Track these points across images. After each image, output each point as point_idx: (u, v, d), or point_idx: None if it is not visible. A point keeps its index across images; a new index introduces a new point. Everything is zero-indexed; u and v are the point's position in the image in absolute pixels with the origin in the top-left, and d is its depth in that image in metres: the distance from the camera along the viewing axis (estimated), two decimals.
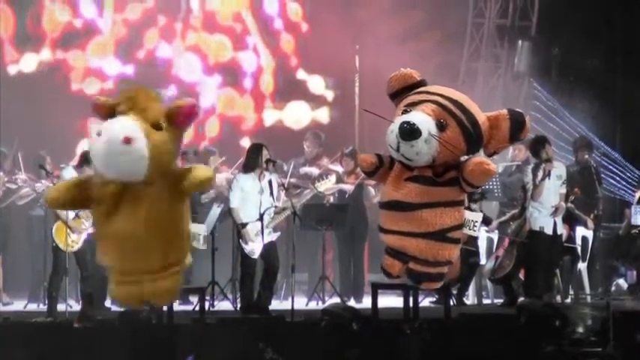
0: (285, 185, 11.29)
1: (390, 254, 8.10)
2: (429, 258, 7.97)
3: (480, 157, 7.97)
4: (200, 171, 7.24)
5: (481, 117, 7.96)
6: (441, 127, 7.78)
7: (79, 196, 7.22)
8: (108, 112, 7.11)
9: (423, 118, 7.77)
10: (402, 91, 8.11)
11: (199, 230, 10.82)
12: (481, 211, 11.87)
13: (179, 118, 7.10)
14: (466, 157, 7.95)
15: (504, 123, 7.93)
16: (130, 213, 7.05)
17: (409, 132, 7.72)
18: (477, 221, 11.28)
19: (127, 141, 6.88)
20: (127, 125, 6.95)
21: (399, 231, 7.97)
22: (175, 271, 7.31)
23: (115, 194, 7.04)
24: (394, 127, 7.83)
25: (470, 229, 10.95)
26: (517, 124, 7.96)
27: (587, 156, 12.78)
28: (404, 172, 7.96)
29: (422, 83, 8.17)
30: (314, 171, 12.87)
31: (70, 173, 10.71)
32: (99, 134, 6.97)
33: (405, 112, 7.91)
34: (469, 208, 11.28)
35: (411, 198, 7.89)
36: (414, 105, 7.91)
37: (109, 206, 7.10)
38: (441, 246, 7.97)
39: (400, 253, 8.03)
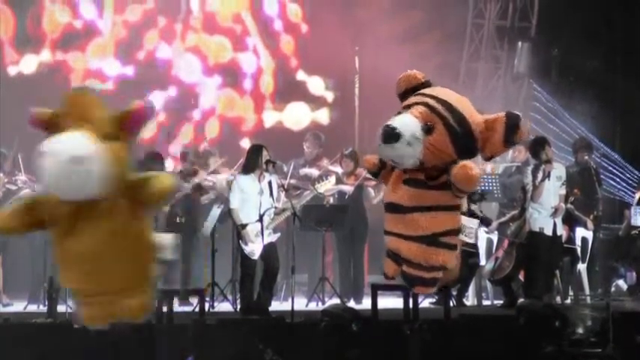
0: (285, 186, 11.30)
1: (388, 255, 8.11)
2: (422, 262, 7.98)
3: (469, 161, 7.94)
4: (159, 180, 6.80)
5: (476, 119, 7.95)
6: (428, 129, 7.80)
7: (30, 220, 6.78)
8: (49, 125, 6.69)
9: (407, 121, 7.80)
10: (408, 92, 8.16)
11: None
12: (481, 212, 11.87)
13: (130, 124, 6.70)
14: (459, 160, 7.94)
15: (500, 126, 7.92)
16: (88, 232, 6.64)
17: (388, 135, 7.83)
18: (472, 227, 11.32)
19: (77, 161, 6.44)
20: (75, 142, 6.51)
21: (394, 233, 7.98)
22: (144, 288, 6.97)
23: (71, 214, 6.63)
24: (380, 129, 7.90)
25: (465, 235, 10.96)
26: (511, 127, 7.96)
27: (586, 157, 12.79)
28: (401, 174, 7.98)
29: (426, 84, 8.20)
30: (314, 172, 12.87)
31: None
32: (43, 154, 6.49)
33: (398, 114, 7.95)
34: (470, 209, 11.31)
35: (404, 200, 7.93)
36: (407, 108, 7.94)
37: (65, 227, 6.67)
38: (434, 250, 7.97)
39: (396, 255, 8.04)
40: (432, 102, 7.95)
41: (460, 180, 7.82)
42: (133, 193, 6.69)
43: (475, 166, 7.94)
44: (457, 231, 8.19)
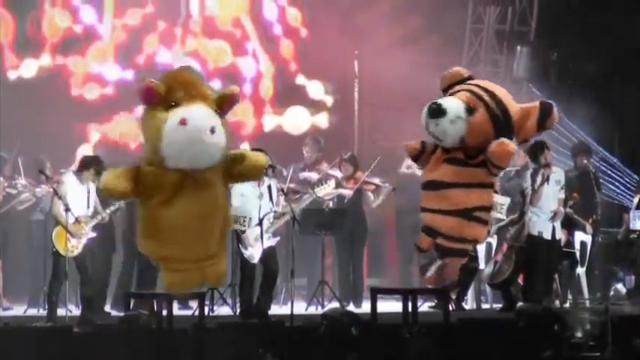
0: (285, 190, 11.31)
1: (423, 231, 8.56)
2: (455, 234, 8.42)
3: (505, 139, 8.39)
4: (256, 157, 7.35)
5: (514, 107, 8.55)
6: (470, 111, 8.39)
7: (131, 187, 7.11)
8: (160, 98, 7.07)
9: (452, 102, 8.52)
10: (452, 87, 8.72)
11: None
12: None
13: (227, 105, 7.20)
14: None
15: (534, 112, 8.44)
16: (193, 200, 7.06)
17: (435, 111, 8.37)
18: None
19: (213, 130, 6.93)
20: (209, 114, 6.99)
21: (431, 209, 8.45)
22: (224, 256, 7.39)
23: (177, 183, 6.99)
24: (427, 105, 8.42)
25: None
26: (544, 112, 8.58)
27: (585, 161, 12.81)
28: (442, 154, 8.43)
29: (469, 79, 8.84)
30: (313, 176, 12.89)
31: (69, 178, 10.74)
32: (183, 123, 6.91)
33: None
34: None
35: (444, 177, 8.51)
36: (452, 94, 8.46)
37: (164, 196, 7.04)
38: (467, 224, 8.44)
39: (431, 230, 8.47)
40: (475, 89, 8.57)
41: (497, 155, 8.43)
42: (231, 166, 7.18)
43: (511, 143, 8.46)
44: (490, 207, 8.74)
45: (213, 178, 7.13)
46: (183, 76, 7.26)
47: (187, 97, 7.05)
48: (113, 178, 7.22)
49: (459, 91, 8.60)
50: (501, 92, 8.64)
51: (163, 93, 7.06)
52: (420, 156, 8.72)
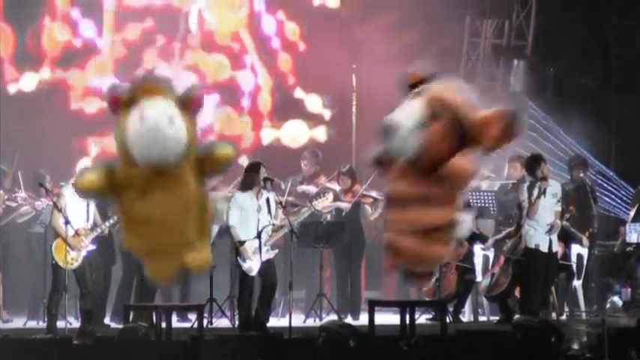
0: (283, 203, 11.37)
1: (385, 249, 8.22)
2: (417, 255, 8.05)
3: (464, 157, 8.05)
4: (221, 147, 7.27)
5: (475, 115, 7.94)
6: (426, 121, 7.86)
7: (108, 185, 7.10)
8: (124, 104, 7.06)
9: (404, 115, 7.86)
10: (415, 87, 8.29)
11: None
12: (477, 229, 11.95)
13: (193, 105, 7.16)
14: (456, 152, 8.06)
15: (497, 119, 7.99)
16: (164, 196, 7.14)
17: (385, 129, 7.89)
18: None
19: (171, 122, 6.94)
20: (166, 106, 6.99)
21: (392, 227, 8.06)
22: (205, 246, 7.47)
23: (148, 178, 7.01)
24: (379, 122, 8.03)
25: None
26: (509, 120, 8.02)
27: (582, 174, 12.87)
28: (402, 167, 8.07)
29: (428, 80, 8.33)
30: (311, 189, 12.94)
31: (69, 191, 10.79)
32: (141, 118, 6.94)
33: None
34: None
35: (404, 192, 7.98)
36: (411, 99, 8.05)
37: (136, 193, 7.17)
38: (429, 245, 8.04)
39: (393, 249, 8.12)
40: (432, 94, 8.03)
41: (454, 175, 7.92)
42: (198, 163, 7.16)
43: (470, 161, 8.01)
44: (453, 225, 8.26)
45: (182, 173, 7.10)
46: (147, 81, 7.39)
47: (148, 96, 7.04)
48: (87, 175, 7.39)
49: (413, 96, 7.81)
50: (461, 96, 7.78)
51: (127, 99, 7.04)
52: (379, 165, 7.92)
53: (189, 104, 7.13)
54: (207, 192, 7.37)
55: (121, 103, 7.09)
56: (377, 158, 8.22)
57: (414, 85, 8.23)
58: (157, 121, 6.94)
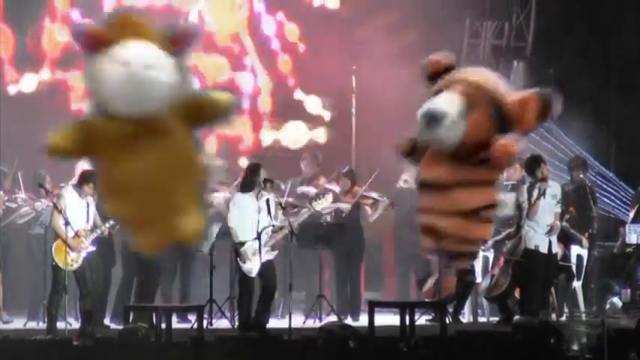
0: (283, 204, 11.38)
1: (424, 233, 8.24)
2: (462, 236, 8.15)
3: (509, 137, 8.12)
4: (219, 97, 6.52)
5: (511, 98, 8.07)
6: (468, 109, 7.92)
7: (79, 144, 6.38)
8: (98, 43, 6.30)
9: (447, 104, 7.89)
10: (437, 76, 8.27)
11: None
12: None
13: (181, 42, 6.36)
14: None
15: (533, 101, 8.08)
16: (143, 153, 6.29)
17: (431, 119, 7.70)
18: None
19: (149, 67, 6.13)
20: (145, 49, 6.20)
21: (431, 209, 8.12)
22: (197, 211, 6.74)
23: (125, 134, 6.28)
24: (421, 112, 7.96)
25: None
26: (545, 102, 8.10)
27: (582, 175, 12.88)
28: (437, 151, 8.10)
29: (452, 68, 8.33)
30: (311, 190, 12.95)
31: (69, 192, 10.81)
32: (119, 59, 6.14)
33: (436, 93, 8.03)
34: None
35: (444, 177, 8.03)
36: (445, 87, 8.03)
37: (116, 150, 6.30)
38: (473, 224, 8.15)
39: (432, 232, 8.19)
40: (468, 81, 7.88)
41: (499, 157, 8.01)
42: (190, 111, 6.43)
43: (514, 143, 8.12)
44: (495, 205, 8.37)
45: (169, 126, 6.35)
46: (126, 17, 6.44)
47: (128, 36, 6.24)
48: (59, 133, 6.49)
49: (449, 83, 7.89)
50: (495, 81, 7.96)
51: (103, 36, 6.31)
52: (412, 153, 8.03)
53: (175, 43, 6.34)
54: (198, 147, 6.58)
55: (95, 44, 6.33)
56: (409, 147, 8.26)
57: (436, 73, 8.29)
58: (138, 63, 6.18)
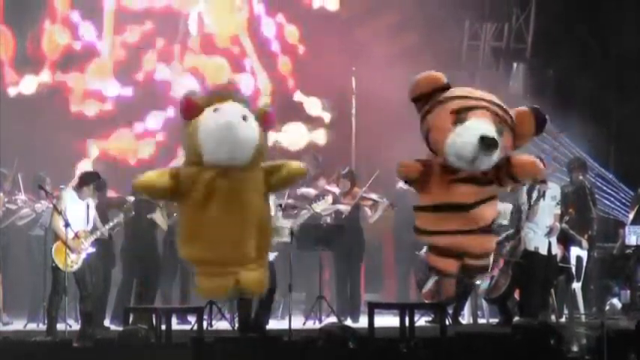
0: (283, 205, 11.38)
1: (443, 254, 8.33)
2: (479, 251, 8.32)
3: (523, 154, 8.37)
4: (291, 165, 7.63)
5: (513, 115, 8.34)
6: (500, 133, 8.06)
7: (171, 186, 7.30)
8: (198, 111, 7.33)
9: (489, 128, 8.01)
10: (428, 95, 8.35)
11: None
12: None
13: (267, 119, 7.55)
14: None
15: (528, 118, 8.23)
16: (227, 201, 7.20)
17: (490, 144, 7.99)
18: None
19: (245, 119, 7.23)
20: (240, 108, 7.31)
21: (454, 230, 8.22)
22: (265, 263, 7.46)
23: (212, 182, 7.16)
24: (469, 139, 7.98)
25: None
26: (538, 118, 8.38)
27: (581, 177, 12.89)
28: (447, 174, 8.14)
29: (448, 86, 8.44)
30: (311, 192, 12.95)
31: (69, 194, 10.81)
32: (216, 113, 7.23)
33: (459, 117, 8.05)
34: None
35: (466, 199, 8.15)
36: (467, 110, 8.09)
37: (203, 195, 7.17)
38: (489, 238, 8.37)
39: (456, 252, 8.29)
40: (490, 106, 8.24)
41: (527, 171, 8.30)
42: (270, 174, 7.47)
43: (532, 157, 8.43)
44: (496, 217, 8.69)
45: (249, 181, 7.29)
46: (223, 90, 7.66)
47: (222, 101, 7.37)
48: (153, 175, 7.45)
49: (472, 107, 8.14)
50: (501, 101, 8.38)
51: (202, 104, 7.34)
52: (419, 177, 8.22)
53: (263, 118, 7.46)
54: (270, 210, 7.60)
55: (196, 108, 7.31)
56: (418, 172, 8.25)
57: (425, 94, 8.36)
58: (232, 117, 7.16)
